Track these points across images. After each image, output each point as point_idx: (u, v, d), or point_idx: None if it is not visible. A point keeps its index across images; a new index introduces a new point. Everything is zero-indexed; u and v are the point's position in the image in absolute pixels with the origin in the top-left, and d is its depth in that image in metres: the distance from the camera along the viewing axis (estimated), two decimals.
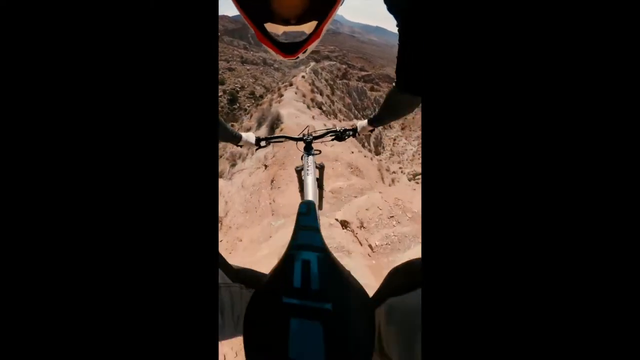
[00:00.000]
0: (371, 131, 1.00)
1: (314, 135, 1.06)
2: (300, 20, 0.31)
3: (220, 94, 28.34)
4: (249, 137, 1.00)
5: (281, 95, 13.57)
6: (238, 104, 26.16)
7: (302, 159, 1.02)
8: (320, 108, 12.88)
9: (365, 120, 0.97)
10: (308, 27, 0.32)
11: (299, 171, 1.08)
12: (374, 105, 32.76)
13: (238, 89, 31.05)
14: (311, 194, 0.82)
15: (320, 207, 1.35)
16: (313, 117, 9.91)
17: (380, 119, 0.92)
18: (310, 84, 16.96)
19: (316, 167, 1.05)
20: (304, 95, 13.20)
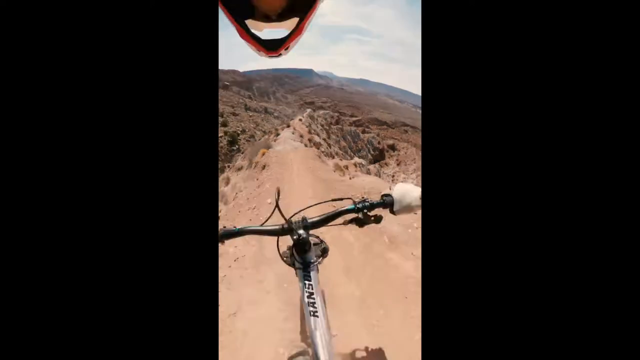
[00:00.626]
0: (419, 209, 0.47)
1: (310, 220, 0.47)
2: (281, 17, 0.30)
3: (221, 134, 27.83)
4: None
5: (277, 134, 12.51)
6: (237, 146, 25.38)
7: (289, 263, 0.46)
8: (317, 148, 11.72)
9: (415, 190, 0.47)
10: (289, 24, 0.31)
11: (288, 263, 0.49)
12: (368, 146, 32.53)
13: (239, 132, 30.66)
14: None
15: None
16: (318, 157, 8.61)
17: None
18: (307, 126, 16.24)
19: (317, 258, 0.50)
20: (301, 136, 12.20)
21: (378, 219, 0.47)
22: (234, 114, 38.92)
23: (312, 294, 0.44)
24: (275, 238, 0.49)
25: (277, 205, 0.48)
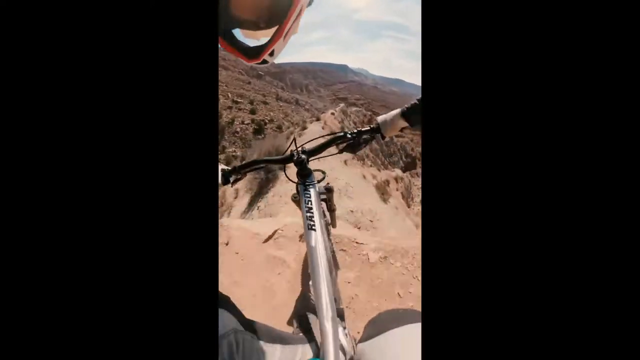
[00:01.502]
0: (405, 128, 0.54)
1: (308, 149, 0.58)
2: (269, 24, 0.30)
3: (248, 121, 27.18)
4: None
5: (304, 128, 10.88)
6: (263, 135, 24.44)
7: (297, 191, 0.56)
8: None
9: (393, 112, 0.55)
10: (271, 31, 0.31)
11: (297, 201, 0.66)
12: (400, 152, 29.81)
13: (267, 121, 29.79)
14: (323, 276, 0.40)
15: (334, 225, 0.98)
16: (345, 162, 6.89)
17: (419, 110, 0.52)
18: (339, 122, 14.47)
19: (321, 195, 0.68)
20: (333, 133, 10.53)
21: (368, 141, 0.57)
22: (265, 103, 38.25)
23: (310, 209, 0.50)
24: (282, 169, 0.62)
25: (293, 140, 0.59)
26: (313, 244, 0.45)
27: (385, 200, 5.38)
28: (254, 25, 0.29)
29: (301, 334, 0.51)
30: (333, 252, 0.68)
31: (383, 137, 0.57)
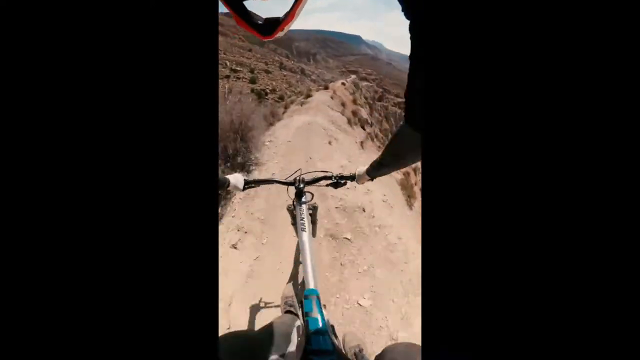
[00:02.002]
0: (369, 180, 0.78)
1: (306, 179, 0.85)
2: None
3: (247, 91, 24.91)
4: (237, 180, 0.81)
5: (309, 96, 8.86)
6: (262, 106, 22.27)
7: (292, 206, 0.87)
8: (363, 128, 8.01)
9: (363, 169, 0.77)
10: (284, 6, 0.31)
11: (292, 211, 0.99)
12: None
13: (268, 91, 27.27)
14: (308, 259, 0.66)
15: (314, 235, 1.29)
16: (361, 144, 5.26)
17: (380, 167, 0.67)
18: (351, 94, 12.33)
19: (309, 209, 0.96)
20: (343, 104, 8.47)
21: (344, 184, 0.84)
22: (267, 72, 35.25)
23: (302, 218, 0.76)
24: (286, 187, 0.88)
25: (297, 170, 0.89)
26: (304, 240, 0.70)
27: (410, 206, 3.90)
28: None
29: (288, 312, 0.90)
30: (314, 227, 1.20)
31: (357, 182, 0.79)
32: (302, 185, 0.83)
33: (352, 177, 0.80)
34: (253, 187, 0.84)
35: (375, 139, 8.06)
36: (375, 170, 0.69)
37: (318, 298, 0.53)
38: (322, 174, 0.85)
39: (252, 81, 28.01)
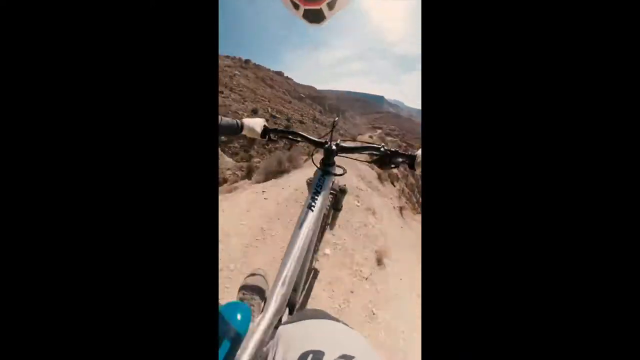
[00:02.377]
0: None
1: (342, 144, 0.59)
2: None
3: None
4: (255, 124, 0.63)
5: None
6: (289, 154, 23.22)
7: (313, 175, 0.58)
8: (393, 184, 7.50)
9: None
10: None
11: (310, 184, 0.65)
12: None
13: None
14: (295, 253, 0.44)
15: (332, 226, 0.89)
16: (400, 211, 4.61)
17: None
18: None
19: (333, 192, 0.69)
20: (379, 176, 7.95)
21: (397, 164, 0.56)
22: (301, 122, 38.06)
23: (318, 192, 0.52)
24: (312, 149, 0.63)
25: (332, 128, 0.60)
26: (302, 221, 0.48)
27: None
28: None
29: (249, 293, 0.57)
30: (316, 250, 0.68)
31: (413, 169, 0.55)
32: (333, 149, 0.58)
33: (412, 159, 0.54)
34: (274, 139, 0.65)
35: (403, 197, 7.45)
36: None
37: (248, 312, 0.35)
38: (366, 144, 0.59)
39: (287, 128, 30.00)
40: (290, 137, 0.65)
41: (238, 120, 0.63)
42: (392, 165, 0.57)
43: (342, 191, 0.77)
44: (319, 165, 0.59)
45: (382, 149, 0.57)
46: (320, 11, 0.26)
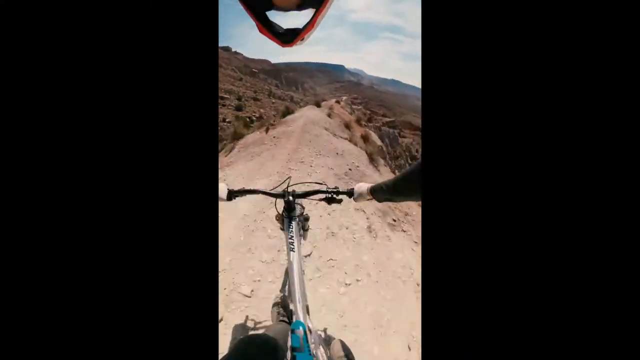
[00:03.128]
0: (369, 200, 0.69)
1: (297, 192, 0.72)
2: (299, 9, 0.30)
3: (230, 119, 23.39)
4: (220, 190, 0.72)
5: (287, 114, 6.64)
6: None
7: (280, 222, 0.72)
8: (383, 159, 5.84)
9: (366, 186, 0.68)
10: (305, 16, 0.31)
11: (280, 222, 0.78)
12: (406, 153, 26.10)
13: (254, 118, 25.65)
14: (296, 285, 0.57)
15: (304, 238, 1.03)
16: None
17: (389, 191, 0.61)
18: (350, 113, 10.49)
19: (299, 221, 0.77)
20: (348, 127, 5.92)
21: (339, 201, 0.70)
22: (255, 99, 34.06)
23: (292, 236, 0.65)
24: (272, 200, 0.75)
25: (288, 181, 0.74)
26: (292, 260, 0.62)
27: None
28: (284, 11, 0.29)
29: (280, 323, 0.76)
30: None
31: (355, 200, 0.69)
32: (292, 199, 0.69)
33: (350, 194, 0.70)
34: (238, 197, 0.72)
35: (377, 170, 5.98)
36: (384, 194, 0.61)
37: (305, 333, 0.47)
38: (315, 187, 0.72)
39: (238, 108, 26.43)
40: (253, 193, 0.71)
41: None
42: (338, 199, 0.68)
43: (306, 219, 0.87)
44: (283, 214, 0.69)
45: (327, 191, 0.69)
46: (293, 45, 0.31)
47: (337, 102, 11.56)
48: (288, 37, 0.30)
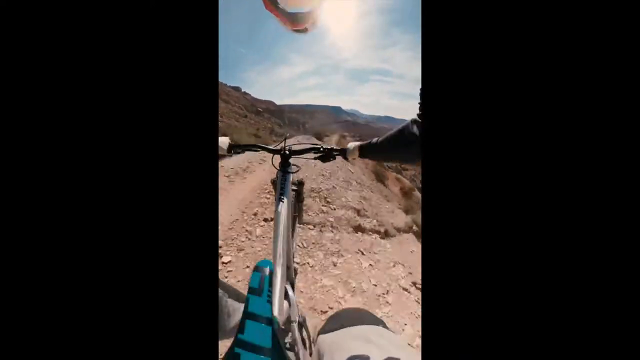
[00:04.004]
0: (359, 157, 0.69)
1: (293, 148, 0.73)
2: None
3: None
4: (222, 142, 0.73)
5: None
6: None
7: (276, 176, 0.74)
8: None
9: (357, 144, 0.69)
10: (316, 2, 0.30)
11: (274, 184, 0.80)
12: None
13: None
14: (282, 234, 0.56)
15: (300, 222, 1.07)
16: None
17: (375, 149, 0.61)
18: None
19: (293, 186, 0.83)
20: (381, 180, 4.38)
21: (333, 158, 0.72)
22: (256, 136, 34.01)
23: (283, 187, 0.64)
24: (270, 157, 0.74)
25: (285, 139, 0.73)
26: (279, 210, 0.59)
27: None
28: None
29: None
30: (293, 232, 0.80)
31: (346, 159, 0.69)
32: (288, 153, 0.71)
33: (344, 152, 0.70)
34: (239, 152, 0.75)
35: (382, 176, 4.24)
36: (368, 152, 0.63)
37: (271, 272, 0.39)
38: (310, 145, 0.75)
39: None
40: (252, 149, 0.75)
41: None
42: (331, 159, 0.70)
43: (300, 183, 0.95)
44: (278, 168, 0.69)
45: (321, 148, 0.71)
46: (305, 29, 0.30)
47: (343, 136, 10.29)
48: (298, 18, 0.28)
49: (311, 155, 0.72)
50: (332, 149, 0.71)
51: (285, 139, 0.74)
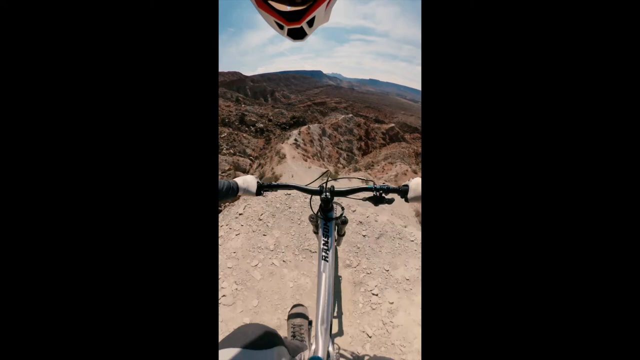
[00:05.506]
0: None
1: (336, 188, 0.64)
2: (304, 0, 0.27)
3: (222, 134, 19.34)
4: (249, 183, 0.64)
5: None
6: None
7: (315, 219, 0.66)
8: None
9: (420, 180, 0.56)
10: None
11: (315, 224, 0.78)
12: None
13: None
14: (321, 303, 0.53)
15: (339, 244, 1.06)
16: None
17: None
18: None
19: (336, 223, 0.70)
20: None
21: (390, 201, 0.58)
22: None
23: (326, 242, 0.59)
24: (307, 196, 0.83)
25: (326, 176, 0.67)
26: (322, 271, 0.56)
27: None
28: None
29: (295, 339, 0.80)
30: (336, 269, 0.78)
31: (406, 200, 0.55)
32: (330, 196, 0.61)
33: (404, 192, 0.57)
34: (269, 192, 0.63)
35: None
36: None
37: None
38: (358, 183, 0.89)
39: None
40: (285, 188, 0.63)
41: (232, 182, 0.61)
42: (386, 202, 0.57)
43: (344, 222, 0.80)
44: (319, 214, 0.62)
45: (374, 188, 0.58)
46: (301, 29, 0.27)
47: (336, 118, 11.08)
48: (293, 15, 0.26)
49: (359, 195, 0.60)
50: (386, 188, 0.58)
51: (326, 176, 0.64)
